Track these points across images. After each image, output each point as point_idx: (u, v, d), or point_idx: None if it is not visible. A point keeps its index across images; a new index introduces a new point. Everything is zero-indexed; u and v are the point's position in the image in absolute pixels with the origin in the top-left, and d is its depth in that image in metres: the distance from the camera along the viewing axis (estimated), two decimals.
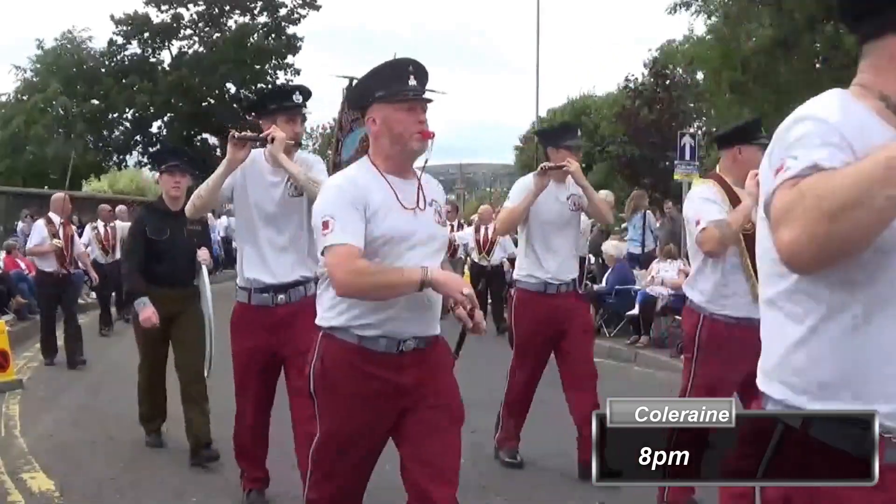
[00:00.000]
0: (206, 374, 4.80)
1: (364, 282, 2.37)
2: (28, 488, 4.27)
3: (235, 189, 3.70)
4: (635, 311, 9.17)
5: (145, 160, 35.40)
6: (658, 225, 11.47)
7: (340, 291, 2.41)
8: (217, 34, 35.09)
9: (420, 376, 2.53)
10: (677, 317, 7.37)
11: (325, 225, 2.39)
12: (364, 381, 2.49)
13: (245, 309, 3.80)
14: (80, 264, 9.08)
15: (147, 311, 4.65)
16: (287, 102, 3.71)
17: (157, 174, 4.58)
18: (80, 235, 10.26)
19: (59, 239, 7.89)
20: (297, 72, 37.08)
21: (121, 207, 9.97)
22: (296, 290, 3.71)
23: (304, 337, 2.89)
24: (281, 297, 3.68)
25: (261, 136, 3.56)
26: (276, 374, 3.91)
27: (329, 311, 2.55)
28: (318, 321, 2.60)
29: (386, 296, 2.41)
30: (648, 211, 11.27)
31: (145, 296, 4.68)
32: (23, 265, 11.16)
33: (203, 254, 4.95)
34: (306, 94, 3.77)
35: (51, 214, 8.21)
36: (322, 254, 2.45)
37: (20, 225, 13.92)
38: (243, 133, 3.54)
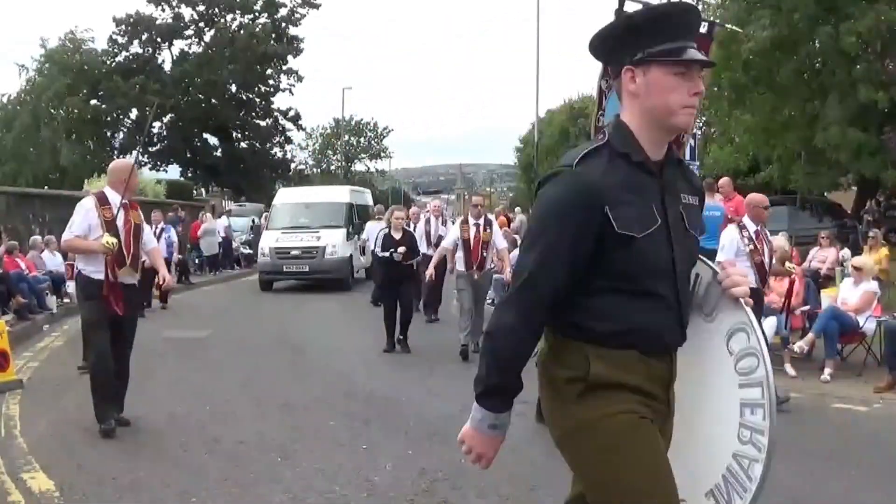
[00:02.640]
0: None
1: None
2: (28, 488, 4.26)
3: None
4: None
5: (145, 160, 35.55)
6: None
7: None
8: (218, 34, 35.15)
9: None
10: None
11: None
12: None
13: None
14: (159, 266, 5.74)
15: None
16: None
17: (623, 68, 1.95)
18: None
19: (112, 236, 5.14)
20: (301, 78, 37.16)
21: None
22: None
23: None
24: None
25: None
26: None
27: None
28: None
29: None
30: None
31: (504, 414, 1.98)
32: (23, 265, 11.16)
33: (734, 272, 2.02)
34: None
35: (106, 190, 5.39)
36: None
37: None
38: None
